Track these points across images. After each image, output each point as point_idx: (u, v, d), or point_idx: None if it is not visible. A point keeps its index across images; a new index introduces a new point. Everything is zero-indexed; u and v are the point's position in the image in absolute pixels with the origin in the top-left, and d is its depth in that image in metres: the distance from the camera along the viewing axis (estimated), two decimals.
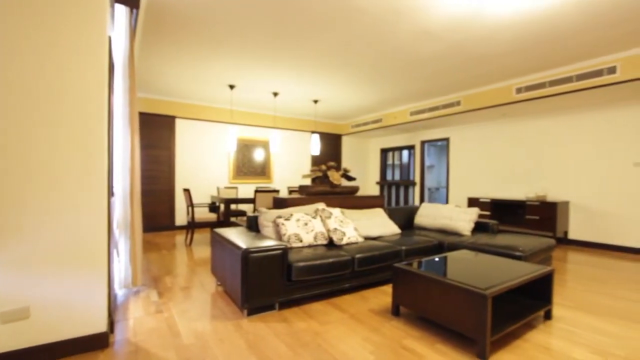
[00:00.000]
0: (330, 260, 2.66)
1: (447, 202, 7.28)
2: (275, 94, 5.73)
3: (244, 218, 5.69)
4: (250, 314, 2.40)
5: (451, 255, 2.73)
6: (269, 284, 2.40)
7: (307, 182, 7.94)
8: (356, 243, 3.20)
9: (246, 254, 2.31)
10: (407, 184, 8.22)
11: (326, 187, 3.80)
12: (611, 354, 1.93)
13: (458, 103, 5.68)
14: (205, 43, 3.66)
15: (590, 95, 4.41)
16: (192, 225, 4.92)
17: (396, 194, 8.67)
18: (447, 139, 7.22)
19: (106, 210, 1.92)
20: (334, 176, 3.75)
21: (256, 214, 3.25)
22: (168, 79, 5.04)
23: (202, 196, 6.63)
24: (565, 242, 5.29)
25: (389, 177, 8.96)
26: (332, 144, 8.62)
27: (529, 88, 4.70)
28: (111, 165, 2.28)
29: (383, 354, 1.91)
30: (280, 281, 2.45)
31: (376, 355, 1.89)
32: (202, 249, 4.65)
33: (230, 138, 5.44)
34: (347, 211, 3.72)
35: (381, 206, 4.33)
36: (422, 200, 7.85)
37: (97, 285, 1.88)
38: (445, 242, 3.50)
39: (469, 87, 5.32)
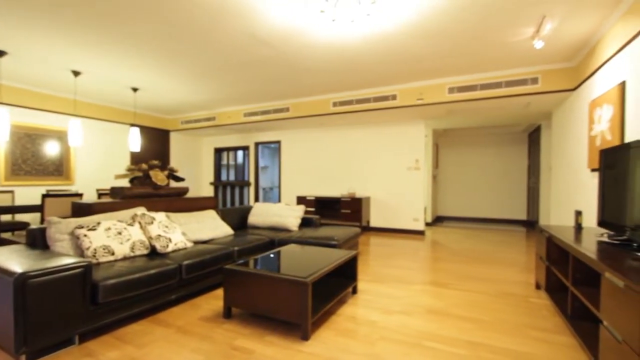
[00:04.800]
0: (152, 271, 2.34)
1: (279, 201, 7.77)
2: (76, 73, 4.57)
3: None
4: (31, 359, 1.81)
5: (280, 251, 2.91)
6: (63, 313, 1.88)
7: (124, 183, 6.74)
8: (184, 249, 2.94)
9: (22, 280, 1.72)
10: (242, 184, 8.27)
11: (148, 189, 3.33)
12: (393, 311, 2.54)
13: (287, 109, 6.16)
14: None
15: (382, 114, 5.69)
16: None
17: (231, 194, 8.58)
18: (279, 142, 7.71)
19: None
20: (158, 176, 3.33)
21: (44, 225, 2.48)
22: None
23: None
24: (368, 229, 6.62)
25: (223, 177, 8.76)
26: (158, 140, 7.65)
27: (342, 103, 5.61)
28: None
29: None
30: (80, 307, 1.96)
31: None
32: None
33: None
34: (175, 215, 3.38)
35: (213, 207, 4.17)
36: (256, 200, 8.08)
37: None
38: (276, 238, 3.71)
39: (296, 96, 5.85)
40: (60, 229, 2.42)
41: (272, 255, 2.73)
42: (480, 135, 8.37)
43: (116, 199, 3.18)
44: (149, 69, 4.45)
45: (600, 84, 3.24)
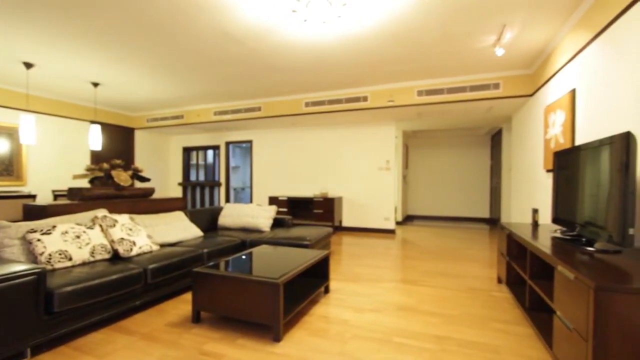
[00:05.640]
0: (114, 276, 2.22)
1: (251, 201, 7.65)
2: (28, 65, 4.24)
3: None
4: None
5: (252, 252, 2.87)
6: (12, 325, 1.73)
7: (83, 183, 6.35)
8: (150, 252, 2.82)
9: None
10: (213, 184, 8.06)
11: (110, 189, 3.16)
12: (364, 309, 2.58)
13: (259, 109, 6.08)
14: None
15: (353, 115, 5.76)
16: None
17: (201, 195, 8.33)
18: (250, 142, 7.59)
19: None
20: (121, 176, 3.16)
21: None
22: None
23: None
24: (340, 229, 6.68)
25: (193, 177, 8.49)
26: (122, 138, 7.28)
27: (314, 103, 5.62)
28: None
29: None
30: (33, 317, 1.82)
31: None
32: None
33: None
34: (140, 217, 3.23)
35: (182, 209, 4.03)
36: (227, 200, 7.90)
37: None
38: (247, 239, 3.65)
39: (268, 95, 5.79)
40: (9, 234, 2.23)
41: (243, 257, 2.68)
42: (447, 137, 8.71)
43: (74, 201, 2.99)
44: (111, 64, 4.22)
45: (554, 91, 3.48)
